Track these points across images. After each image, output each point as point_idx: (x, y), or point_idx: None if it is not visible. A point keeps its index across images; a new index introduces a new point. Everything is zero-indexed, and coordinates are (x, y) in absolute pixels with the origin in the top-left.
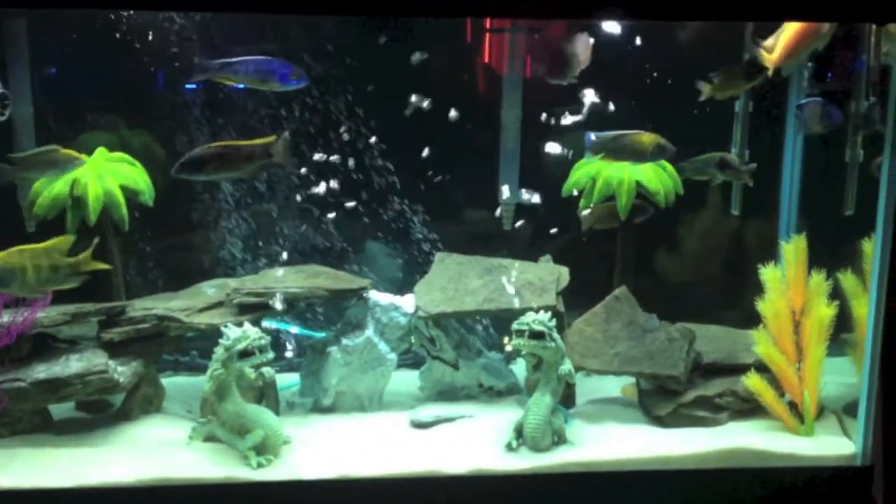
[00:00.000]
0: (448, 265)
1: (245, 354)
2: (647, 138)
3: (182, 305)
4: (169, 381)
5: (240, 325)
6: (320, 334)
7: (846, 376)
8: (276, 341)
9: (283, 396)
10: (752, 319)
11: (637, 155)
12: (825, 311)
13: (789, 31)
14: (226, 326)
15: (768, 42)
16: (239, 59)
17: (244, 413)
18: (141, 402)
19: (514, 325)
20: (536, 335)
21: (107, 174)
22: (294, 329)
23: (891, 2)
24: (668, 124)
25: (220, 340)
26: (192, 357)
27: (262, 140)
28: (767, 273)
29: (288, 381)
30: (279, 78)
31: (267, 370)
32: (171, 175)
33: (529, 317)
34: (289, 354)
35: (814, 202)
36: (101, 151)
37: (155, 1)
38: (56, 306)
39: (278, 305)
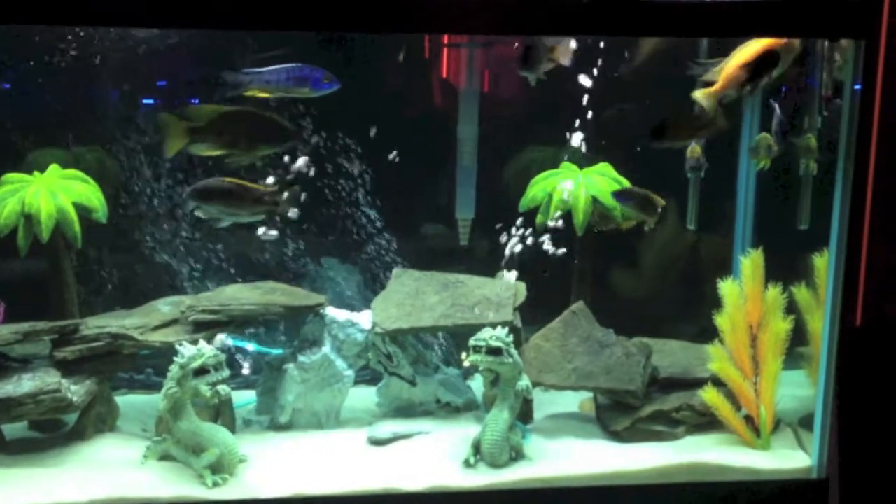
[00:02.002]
0: (405, 281)
1: (200, 372)
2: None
3: (136, 323)
4: (124, 400)
5: (195, 342)
6: (277, 351)
7: (802, 389)
8: (233, 358)
9: (239, 414)
10: (707, 333)
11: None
12: (781, 326)
13: (733, 63)
14: (180, 344)
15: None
16: (269, 68)
17: (199, 431)
18: (95, 420)
19: (472, 341)
20: (494, 351)
21: (59, 191)
22: (250, 346)
23: (843, 18)
24: (625, 138)
25: (175, 358)
26: (148, 375)
27: (272, 189)
28: (726, 287)
29: (245, 399)
30: (312, 83)
31: (222, 388)
32: (184, 198)
33: (486, 333)
34: (245, 371)
35: (769, 216)
36: (53, 168)
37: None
38: (8, 325)
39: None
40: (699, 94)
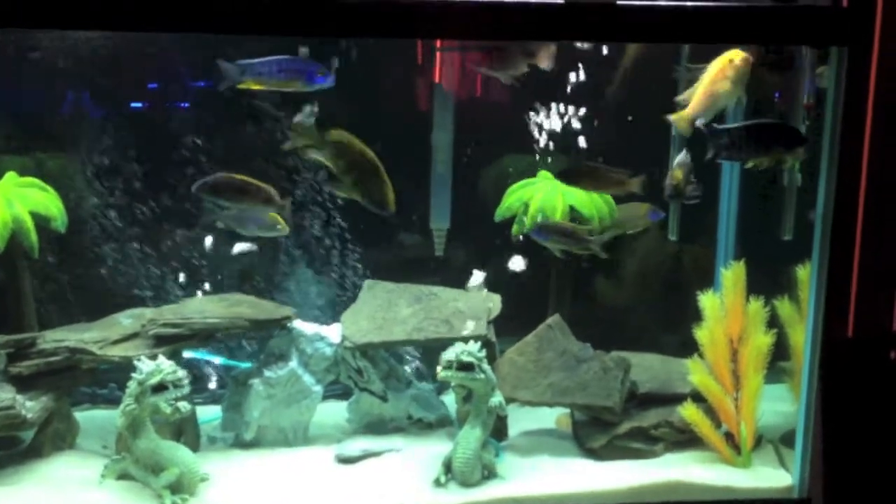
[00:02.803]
0: (377, 293)
1: (158, 389)
2: None
3: (95, 337)
4: (85, 415)
5: (154, 357)
6: (246, 364)
7: (786, 404)
8: (200, 372)
9: (204, 430)
10: (688, 345)
11: None
12: (763, 340)
13: (703, 84)
14: (139, 360)
15: (683, 96)
16: (261, 60)
17: (158, 450)
18: (52, 438)
19: (442, 357)
20: (465, 367)
21: (16, 200)
22: (218, 360)
23: (828, 25)
24: (603, 147)
25: (133, 374)
26: (111, 389)
27: (277, 194)
28: (706, 300)
29: (211, 415)
30: (306, 77)
31: (183, 405)
32: (193, 191)
33: (458, 347)
34: (212, 386)
35: (752, 227)
36: (10, 176)
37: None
38: None
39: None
40: (675, 118)
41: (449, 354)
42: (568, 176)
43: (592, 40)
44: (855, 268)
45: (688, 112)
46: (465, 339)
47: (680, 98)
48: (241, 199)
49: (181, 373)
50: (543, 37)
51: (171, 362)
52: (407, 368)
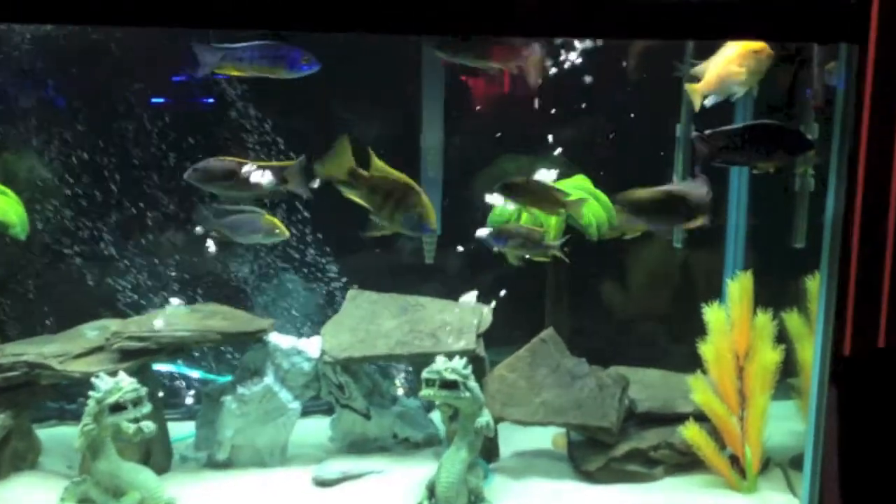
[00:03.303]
0: (360, 304)
1: (117, 408)
2: None
3: (56, 351)
4: (50, 433)
5: (115, 374)
6: (226, 378)
7: (797, 422)
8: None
9: (178, 449)
10: (692, 359)
11: None
12: (770, 356)
13: (719, 60)
14: (97, 377)
15: (698, 68)
16: (242, 45)
17: (119, 472)
18: (11, 457)
19: (425, 374)
20: (449, 384)
21: None
22: (195, 373)
23: (833, 21)
24: (607, 147)
25: (91, 392)
26: (80, 405)
27: (278, 164)
28: (711, 313)
29: (187, 432)
30: (288, 64)
31: (147, 424)
32: (184, 179)
33: (440, 364)
34: (189, 401)
35: (762, 235)
36: None
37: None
38: None
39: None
40: (689, 88)
41: (431, 372)
42: (508, 190)
43: (596, 36)
44: (887, 275)
45: (700, 86)
46: (451, 355)
47: (696, 70)
48: (234, 184)
49: (142, 391)
50: (561, 33)
51: (131, 379)
52: (396, 383)
